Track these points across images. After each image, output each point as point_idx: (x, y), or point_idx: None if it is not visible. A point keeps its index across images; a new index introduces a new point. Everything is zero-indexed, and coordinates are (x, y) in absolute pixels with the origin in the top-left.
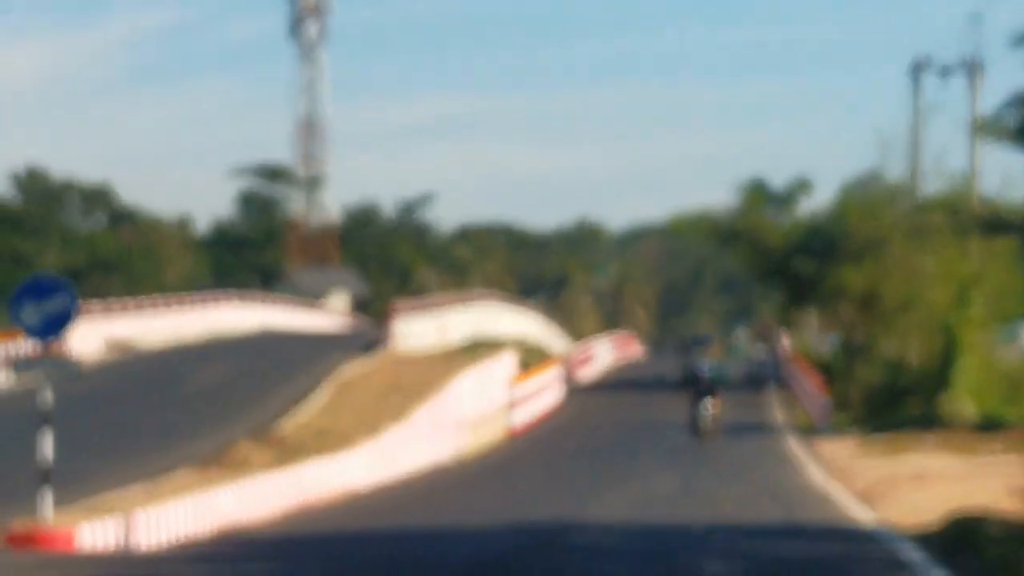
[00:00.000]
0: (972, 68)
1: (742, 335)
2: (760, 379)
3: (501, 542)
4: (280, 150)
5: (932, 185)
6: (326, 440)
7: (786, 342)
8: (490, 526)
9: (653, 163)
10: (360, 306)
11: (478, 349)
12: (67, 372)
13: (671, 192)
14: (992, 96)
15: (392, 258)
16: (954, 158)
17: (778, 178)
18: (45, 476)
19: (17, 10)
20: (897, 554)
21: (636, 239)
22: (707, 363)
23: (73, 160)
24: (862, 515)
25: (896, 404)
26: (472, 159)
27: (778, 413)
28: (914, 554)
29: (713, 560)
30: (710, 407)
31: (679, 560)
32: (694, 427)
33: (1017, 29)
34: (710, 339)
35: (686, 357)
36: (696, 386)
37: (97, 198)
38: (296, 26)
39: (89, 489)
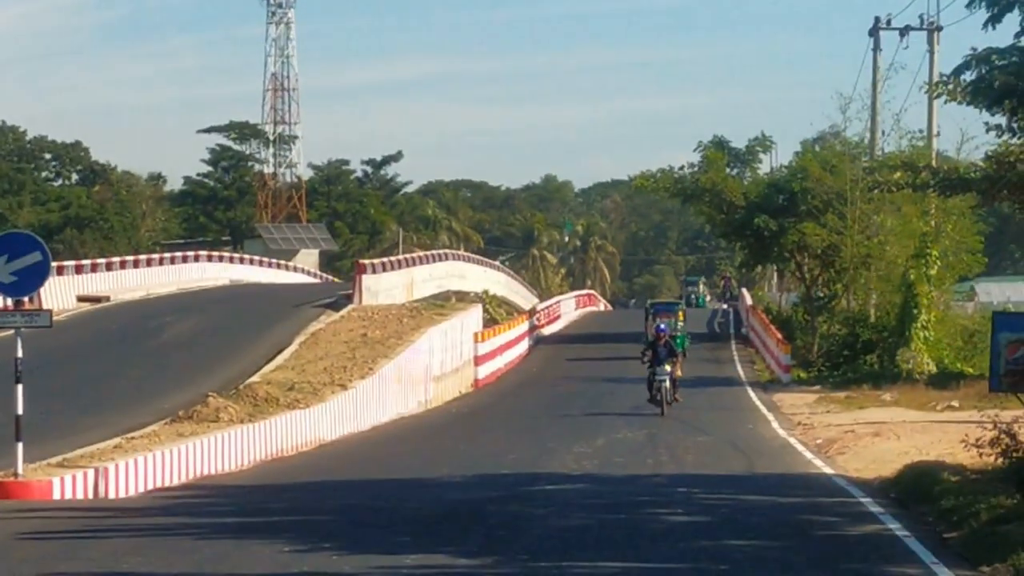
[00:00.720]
0: (930, 28)
1: (700, 287)
2: (722, 334)
3: (467, 492)
4: (251, 108)
5: (891, 144)
6: (296, 394)
7: (747, 297)
8: (457, 477)
9: (618, 121)
10: (329, 262)
11: (445, 304)
12: (39, 325)
13: (635, 150)
14: (950, 56)
15: (360, 215)
16: (913, 116)
17: (740, 137)
18: (18, 429)
19: None
20: (855, 505)
21: (601, 196)
22: (667, 325)
23: (45, 118)
24: (822, 467)
25: (855, 358)
26: (439, 117)
27: (740, 367)
28: (872, 505)
29: (675, 510)
30: (668, 370)
31: (642, 510)
32: (652, 397)
33: None
34: (675, 307)
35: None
36: (654, 347)
37: (70, 156)
38: None
39: (63, 443)
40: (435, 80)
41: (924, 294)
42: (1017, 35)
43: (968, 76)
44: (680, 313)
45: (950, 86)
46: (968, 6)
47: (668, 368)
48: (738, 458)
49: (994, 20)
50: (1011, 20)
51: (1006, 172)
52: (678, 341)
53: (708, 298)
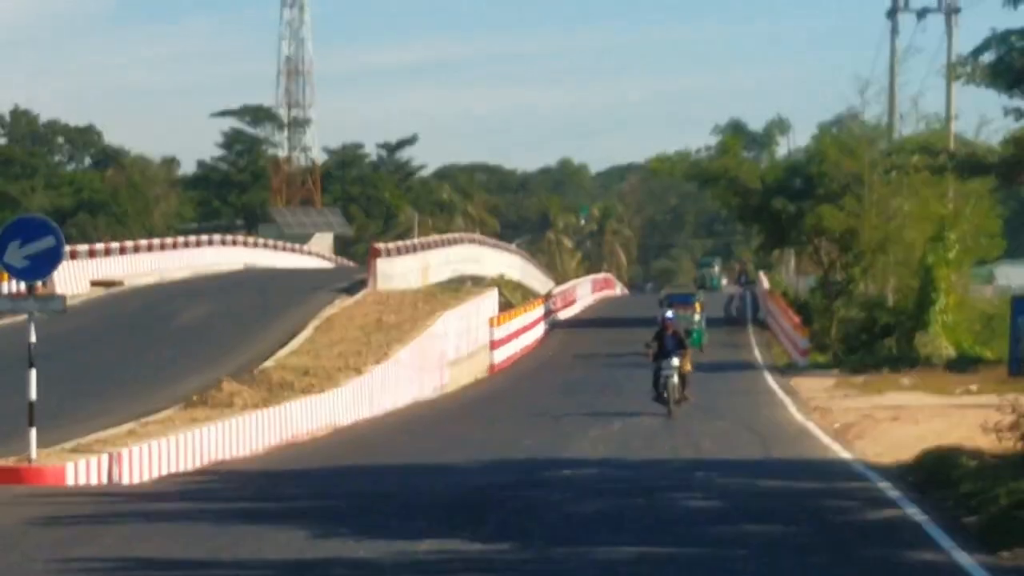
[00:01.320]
0: (948, 10)
1: (716, 268)
2: (739, 318)
3: (483, 477)
4: (264, 92)
5: (909, 126)
6: (310, 379)
7: (765, 281)
8: (472, 462)
9: (634, 103)
10: (343, 246)
11: (460, 289)
12: (52, 310)
13: (652, 133)
14: (969, 38)
15: (375, 199)
16: (931, 100)
17: (757, 120)
18: (31, 415)
19: None
20: (873, 490)
21: (617, 180)
22: (684, 318)
23: (59, 102)
24: (840, 452)
25: (873, 343)
26: (454, 100)
27: (757, 352)
28: (890, 490)
29: (693, 495)
30: (675, 364)
31: (659, 495)
32: (658, 394)
33: None
34: (691, 299)
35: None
36: (660, 338)
37: (83, 139)
38: None
39: (76, 428)
40: (449, 63)
41: (942, 278)
42: None
43: (987, 57)
44: (697, 304)
45: (968, 68)
46: None
47: (676, 362)
48: (755, 443)
49: (1015, 0)
50: None
51: None
52: (694, 336)
53: (724, 280)
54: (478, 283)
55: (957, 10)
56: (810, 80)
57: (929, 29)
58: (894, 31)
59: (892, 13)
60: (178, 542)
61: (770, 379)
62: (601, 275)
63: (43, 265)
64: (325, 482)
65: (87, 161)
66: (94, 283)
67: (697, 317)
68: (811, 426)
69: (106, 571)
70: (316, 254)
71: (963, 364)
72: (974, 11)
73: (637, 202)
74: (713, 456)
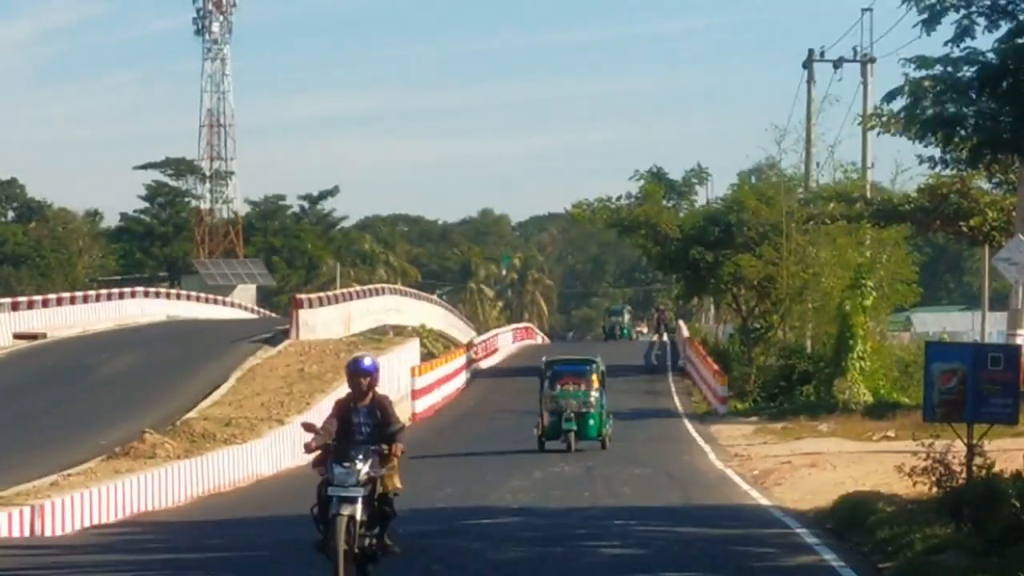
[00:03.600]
0: (863, 60)
1: (626, 317)
2: (659, 366)
3: (404, 526)
4: (187, 144)
5: (826, 175)
6: (233, 429)
7: (684, 329)
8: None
9: (555, 155)
10: (266, 297)
11: (382, 339)
12: None
13: (572, 183)
14: (884, 87)
15: (297, 250)
16: (848, 148)
17: (677, 170)
18: None
19: None
20: (791, 536)
21: (538, 229)
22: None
23: None
24: (758, 498)
25: (792, 390)
26: (376, 152)
27: (677, 399)
28: (808, 536)
29: (612, 542)
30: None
31: (579, 543)
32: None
33: (905, 21)
34: (585, 369)
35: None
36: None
37: (5, 192)
38: (201, 22)
39: None
40: (371, 115)
41: (860, 325)
42: (948, 42)
43: (899, 103)
44: (595, 377)
45: (884, 118)
46: (903, 4)
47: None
48: (675, 490)
49: (928, 24)
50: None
51: (939, 204)
52: (590, 425)
53: (641, 328)
54: (400, 333)
55: (872, 60)
56: (730, 131)
57: (845, 78)
58: (810, 80)
59: (808, 63)
60: None
61: (690, 426)
62: (522, 324)
63: None
64: (249, 532)
65: (10, 215)
66: (17, 336)
67: (595, 395)
68: (730, 473)
69: None
70: (239, 305)
71: (881, 410)
72: (889, 61)
73: (558, 251)
74: (633, 503)
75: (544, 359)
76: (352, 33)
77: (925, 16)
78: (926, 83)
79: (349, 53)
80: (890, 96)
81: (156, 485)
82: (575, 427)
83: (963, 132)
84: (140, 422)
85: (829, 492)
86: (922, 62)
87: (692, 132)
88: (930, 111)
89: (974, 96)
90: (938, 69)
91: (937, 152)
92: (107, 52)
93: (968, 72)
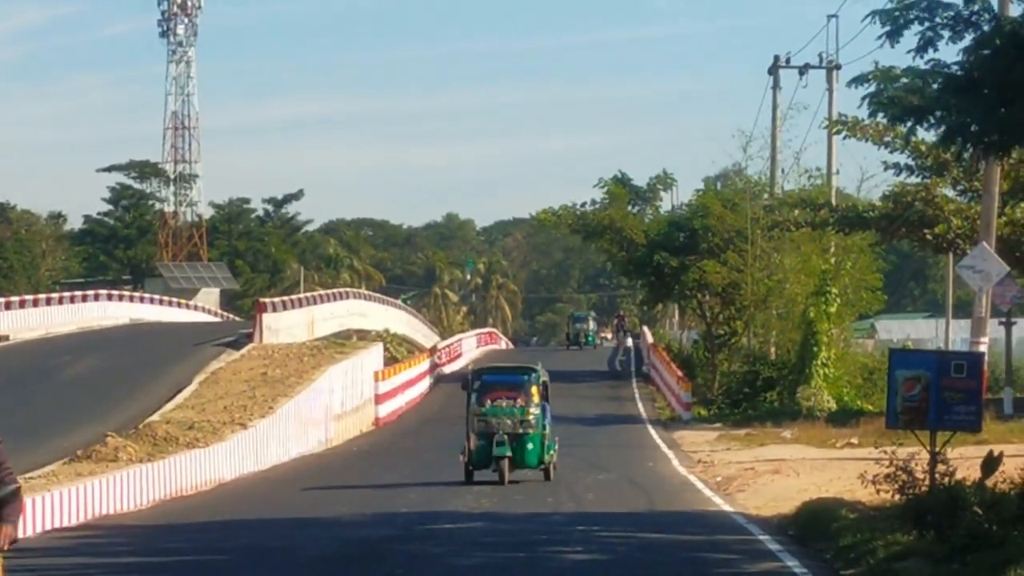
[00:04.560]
0: (829, 66)
1: (591, 324)
2: (623, 372)
3: (366, 531)
4: (151, 147)
5: (791, 181)
6: (195, 433)
7: (648, 335)
8: (357, 515)
9: (519, 160)
10: (230, 301)
11: (346, 343)
12: None
13: (537, 189)
14: (848, 95)
15: (261, 253)
16: (814, 154)
17: (642, 176)
18: None
19: None
20: (754, 542)
21: (503, 234)
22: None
23: None
24: (722, 504)
25: (756, 396)
26: (341, 156)
27: (640, 405)
28: (770, 542)
29: (574, 548)
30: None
31: (541, 549)
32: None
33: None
34: (522, 379)
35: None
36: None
37: None
38: (166, 24)
39: None
40: (336, 119)
41: (824, 332)
42: (912, 51)
43: (868, 89)
44: (534, 390)
45: (849, 123)
46: (865, 19)
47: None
48: (638, 496)
49: (892, 36)
50: (909, 41)
51: (904, 211)
52: (528, 450)
53: (604, 334)
54: (364, 337)
55: (838, 67)
56: (696, 137)
57: (811, 84)
58: (775, 87)
59: (773, 69)
60: None
61: (653, 432)
62: (486, 329)
63: None
64: (211, 536)
65: None
66: None
67: (534, 412)
68: (693, 479)
69: None
70: (202, 308)
71: (844, 417)
72: (855, 67)
73: (523, 257)
74: (596, 509)
75: (470, 367)
76: (318, 37)
77: (888, 29)
78: (894, 70)
79: (315, 57)
80: (858, 80)
81: (118, 488)
82: (509, 452)
83: (931, 120)
84: (103, 425)
85: (792, 499)
86: (885, 76)
87: (658, 139)
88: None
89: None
90: (903, 82)
91: (902, 159)
92: (73, 54)
93: (934, 86)
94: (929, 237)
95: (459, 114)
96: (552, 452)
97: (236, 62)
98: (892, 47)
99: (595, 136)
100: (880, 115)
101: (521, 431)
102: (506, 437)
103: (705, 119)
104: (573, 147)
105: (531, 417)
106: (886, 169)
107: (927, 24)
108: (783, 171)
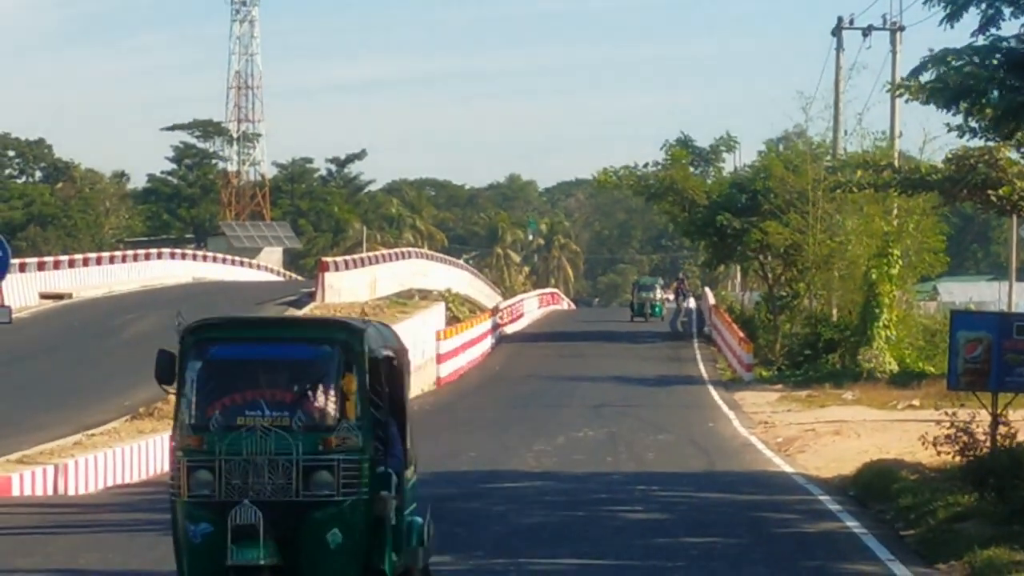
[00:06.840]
0: (893, 28)
1: (657, 292)
2: (684, 333)
3: (427, 489)
4: (215, 106)
5: (853, 143)
6: None
7: (710, 296)
8: (417, 474)
9: (583, 121)
10: (293, 260)
11: (408, 302)
12: None
13: (600, 150)
14: (913, 54)
15: (324, 213)
16: (876, 116)
17: (705, 137)
18: None
19: None
20: (814, 502)
21: (565, 195)
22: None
23: (9, 115)
24: (782, 465)
25: (817, 357)
26: (403, 116)
27: (702, 366)
28: (830, 503)
29: (633, 507)
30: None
31: (600, 507)
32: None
33: None
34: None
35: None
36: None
37: (34, 153)
38: None
39: (23, 439)
40: (399, 78)
41: (886, 293)
42: (974, 32)
43: (926, 77)
44: (348, 383)
45: (912, 86)
46: (925, 3)
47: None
48: (698, 456)
49: (951, 18)
50: (970, 19)
51: (966, 174)
52: (329, 547)
53: (667, 295)
54: (426, 297)
55: (901, 28)
56: (758, 99)
57: (874, 46)
58: (839, 48)
59: (837, 30)
60: (121, 553)
61: (714, 393)
62: (548, 290)
63: None
64: None
65: (38, 175)
66: (43, 296)
67: (343, 440)
68: (754, 440)
69: None
70: (265, 267)
71: (905, 379)
72: (919, 28)
73: (585, 217)
74: (655, 469)
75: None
76: None
77: (948, 11)
78: (950, 57)
79: (378, 16)
80: (916, 72)
81: None
82: (266, 559)
83: (985, 101)
84: None
85: (852, 460)
86: (941, 61)
87: (720, 100)
88: (953, 82)
89: (1000, 75)
90: (958, 64)
91: (962, 121)
92: (136, 13)
93: (993, 61)
94: (993, 199)
95: (523, 74)
96: (418, 542)
97: (300, 21)
98: (951, 27)
99: (658, 97)
100: (938, 101)
101: (301, 498)
102: (259, 517)
103: (768, 80)
104: (635, 108)
105: (333, 457)
106: (949, 131)
107: (987, 2)
108: (845, 133)
